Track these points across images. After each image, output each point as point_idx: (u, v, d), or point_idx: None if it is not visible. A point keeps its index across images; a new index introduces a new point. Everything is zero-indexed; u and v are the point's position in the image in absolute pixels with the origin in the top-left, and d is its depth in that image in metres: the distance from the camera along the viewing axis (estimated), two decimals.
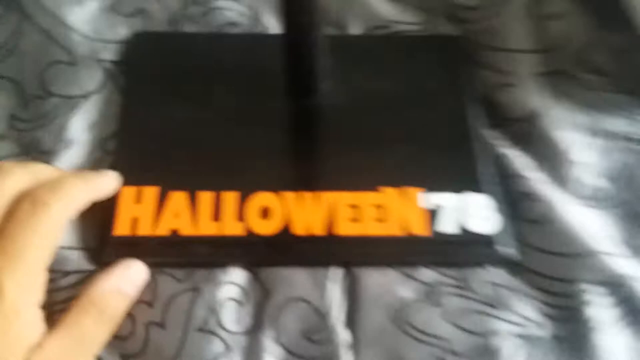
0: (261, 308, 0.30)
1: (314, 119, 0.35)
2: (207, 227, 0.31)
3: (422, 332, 0.29)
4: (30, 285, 0.25)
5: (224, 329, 0.29)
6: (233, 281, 0.30)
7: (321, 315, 0.30)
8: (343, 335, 0.29)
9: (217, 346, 0.29)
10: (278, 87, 0.34)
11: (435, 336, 0.29)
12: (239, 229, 0.31)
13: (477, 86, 0.36)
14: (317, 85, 0.34)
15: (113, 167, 0.33)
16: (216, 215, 0.31)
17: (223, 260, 0.31)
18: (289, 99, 0.35)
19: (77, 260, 0.31)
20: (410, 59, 0.37)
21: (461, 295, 0.30)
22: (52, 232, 0.26)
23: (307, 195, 0.31)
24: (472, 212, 0.31)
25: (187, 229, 0.30)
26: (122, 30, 0.38)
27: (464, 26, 0.38)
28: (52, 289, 0.29)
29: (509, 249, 0.31)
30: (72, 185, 0.28)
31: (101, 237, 0.31)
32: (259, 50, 0.37)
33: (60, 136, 0.34)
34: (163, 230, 0.30)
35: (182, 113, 0.34)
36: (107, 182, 0.31)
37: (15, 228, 0.25)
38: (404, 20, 0.39)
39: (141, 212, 0.31)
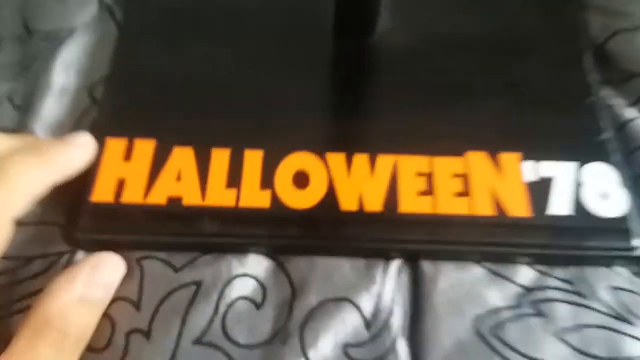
0: (286, 312, 0.22)
1: (371, 62, 0.26)
2: (219, 196, 0.22)
3: (519, 352, 0.20)
4: None
5: (231, 341, 0.21)
6: (249, 273, 0.22)
7: (372, 323, 0.21)
8: (403, 351, 0.21)
9: None
10: (322, 25, 0.26)
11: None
12: (263, 200, 0.22)
13: (588, 31, 0.27)
14: (376, 22, 0.25)
15: (99, 115, 0.25)
16: (233, 181, 0.22)
17: (239, 243, 0.22)
18: (336, 39, 0.26)
19: (43, 240, 0.23)
20: None
21: (576, 304, 0.21)
22: None
23: (360, 159, 0.23)
24: (594, 188, 0.22)
25: (191, 198, 0.22)
26: None
27: None
28: (9, 283, 0.22)
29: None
30: (20, 172, 0.20)
31: (75, 206, 0.22)
32: None
33: (38, 83, 0.26)
34: (159, 197, 0.22)
35: (195, 52, 0.26)
36: (78, 156, 0.22)
37: None
38: None
39: (130, 172, 0.23)
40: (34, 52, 0.27)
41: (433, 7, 0.27)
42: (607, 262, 0.22)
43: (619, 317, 0.21)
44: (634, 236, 0.22)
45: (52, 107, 0.26)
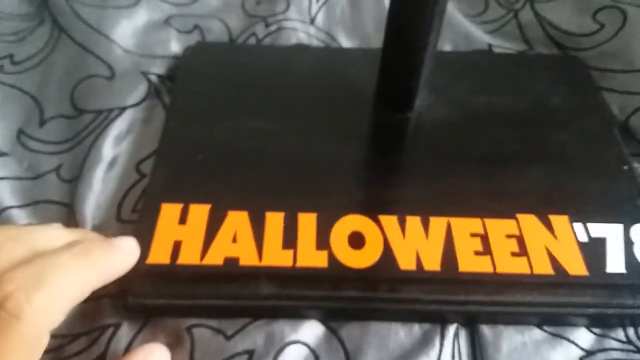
0: None
1: (411, 133, 0.27)
2: (276, 257, 0.22)
3: None
4: None
5: None
6: (302, 340, 0.22)
7: None
8: None
9: None
10: (364, 100, 0.28)
11: None
12: (320, 260, 0.22)
13: (612, 108, 0.29)
14: (414, 99, 0.27)
15: (150, 183, 0.25)
16: (289, 242, 0.22)
17: (294, 305, 0.22)
18: (377, 113, 0.28)
19: (89, 315, 0.22)
20: (523, 75, 0.30)
21: None
22: (23, 355, 0.17)
23: (413, 220, 0.23)
24: None
25: (248, 258, 0.22)
26: (174, 47, 0.32)
27: (572, 52, 0.32)
28: None
29: None
30: (64, 275, 0.18)
31: (127, 275, 0.21)
32: (337, 63, 0.30)
33: (87, 156, 0.27)
34: (215, 258, 0.22)
35: (243, 124, 0.27)
36: (122, 259, 0.21)
37: None
38: (503, 45, 0.33)
39: (186, 234, 0.23)
40: (81, 129, 0.28)
41: (467, 87, 0.29)
42: None
43: None
44: None
45: (99, 179, 0.26)
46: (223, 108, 0.28)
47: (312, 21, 0.34)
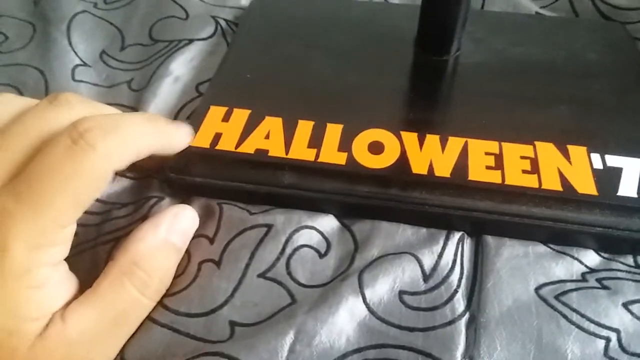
0: (347, 262, 0.23)
1: (446, 74, 0.29)
2: (301, 152, 0.24)
3: (583, 315, 0.20)
4: (47, 243, 0.19)
5: (293, 279, 0.22)
6: (317, 227, 0.24)
7: (431, 276, 0.22)
8: (459, 304, 0.21)
9: (280, 298, 0.21)
10: (405, 44, 0.30)
11: (604, 325, 0.20)
12: (340, 159, 0.24)
13: None
14: (451, 43, 0.29)
15: (204, 95, 0.28)
16: (314, 143, 0.25)
17: (312, 197, 0.24)
18: (417, 54, 0.30)
19: (138, 189, 0.26)
20: (564, 33, 0.31)
21: None
22: (90, 182, 0.19)
23: (432, 138, 0.25)
24: None
25: (276, 151, 0.24)
26: (244, 1, 0.36)
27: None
28: (101, 221, 0.24)
29: None
30: (134, 129, 0.21)
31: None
32: (384, 14, 0.33)
33: (156, 72, 0.31)
34: (248, 148, 0.25)
35: (294, 54, 0.30)
36: (179, 136, 0.25)
37: (43, 168, 0.19)
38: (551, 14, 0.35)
39: (227, 129, 0.25)
40: (154, 54, 0.32)
41: (506, 39, 0.30)
42: None
43: None
44: None
45: (164, 90, 0.30)
46: (276, 44, 0.31)
47: None
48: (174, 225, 0.22)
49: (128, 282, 0.20)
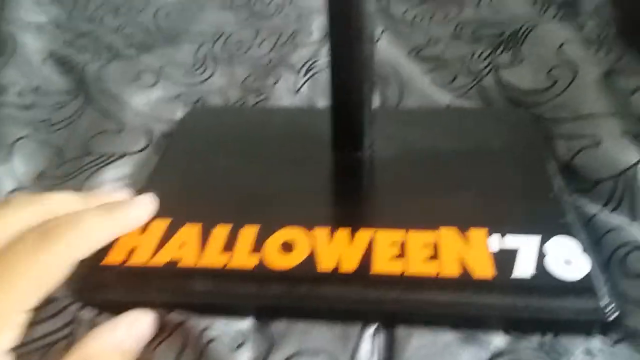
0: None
1: (362, 167, 0.31)
2: (213, 259, 0.25)
3: None
4: (3, 325, 0.20)
5: None
6: (233, 326, 0.24)
7: None
8: None
9: None
10: (325, 143, 0.32)
11: None
12: (250, 262, 0.25)
13: (552, 151, 0.31)
14: (363, 139, 0.31)
15: None
16: (229, 247, 0.25)
17: (226, 303, 0.24)
18: (334, 152, 0.31)
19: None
20: (470, 124, 0.33)
21: None
22: (53, 271, 0.22)
23: (342, 231, 0.26)
24: (557, 256, 0.24)
25: (188, 260, 0.25)
26: (179, 114, 0.38)
27: (528, 109, 0.35)
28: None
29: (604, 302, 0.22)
30: (93, 218, 0.24)
31: (88, 267, 0.25)
32: (308, 117, 0.35)
33: (86, 184, 0.32)
34: (161, 259, 0.25)
35: (219, 161, 0.32)
36: (138, 213, 0.27)
37: (10, 259, 0.21)
38: (463, 104, 0.37)
39: (143, 241, 0.26)
40: (86, 164, 0.34)
41: (415, 132, 0.32)
42: (581, 328, 0.22)
43: None
44: (600, 296, 0.22)
45: None
46: (205, 155, 0.33)
47: (297, 91, 0.39)
48: (131, 331, 0.23)
49: None
